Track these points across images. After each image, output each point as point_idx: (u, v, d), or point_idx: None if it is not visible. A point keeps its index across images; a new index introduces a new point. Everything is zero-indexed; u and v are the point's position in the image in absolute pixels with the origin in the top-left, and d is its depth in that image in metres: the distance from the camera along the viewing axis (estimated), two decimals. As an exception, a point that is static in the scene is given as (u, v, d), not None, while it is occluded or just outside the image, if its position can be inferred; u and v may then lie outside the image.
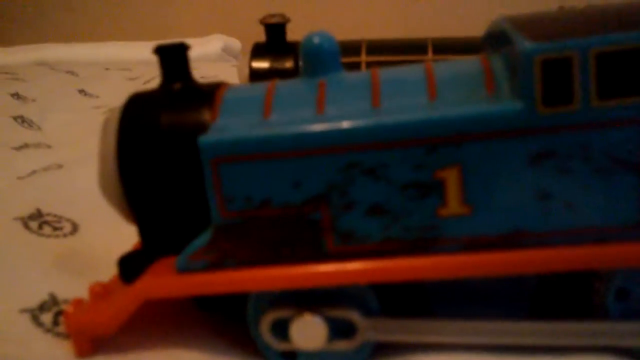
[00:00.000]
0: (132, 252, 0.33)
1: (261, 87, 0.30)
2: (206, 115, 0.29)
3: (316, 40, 0.30)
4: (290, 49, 0.49)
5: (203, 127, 0.29)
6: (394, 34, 0.51)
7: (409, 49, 0.47)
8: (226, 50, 1.39)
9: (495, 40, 0.29)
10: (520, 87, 0.25)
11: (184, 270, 0.29)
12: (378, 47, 0.48)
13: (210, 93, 0.30)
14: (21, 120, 0.73)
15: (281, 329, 0.29)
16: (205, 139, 0.27)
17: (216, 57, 1.35)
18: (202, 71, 1.08)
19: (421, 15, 1.39)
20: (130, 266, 0.31)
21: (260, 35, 0.51)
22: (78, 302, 0.31)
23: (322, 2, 1.47)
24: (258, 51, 0.49)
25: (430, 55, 0.46)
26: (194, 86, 0.31)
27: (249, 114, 0.29)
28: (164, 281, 0.29)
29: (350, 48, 0.48)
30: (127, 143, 0.30)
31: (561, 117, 0.25)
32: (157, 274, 0.30)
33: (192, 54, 1.15)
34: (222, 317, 0.33)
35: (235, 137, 0.27)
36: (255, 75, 0.48)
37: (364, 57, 0.47)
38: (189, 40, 1.30)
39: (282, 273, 0.28)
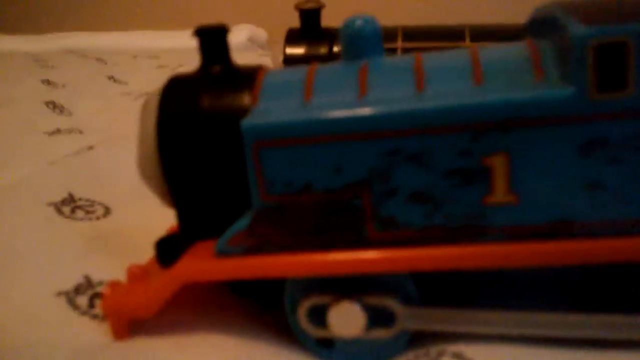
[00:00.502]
0: (169, 235, 0.32)
1: (301, 70, 0.30)
2: (246, 99, 0.29)
3: (358, 23, 0.29)
4: (325, 35, 0.48)
5: (243, 111, 0.28)
6: (429, 20, 0.50)
7: (446, 36, 0.46)
8: (252, 40, 1.39)
9: (542, 26, 0.28)
10: (571, 72, 0.25)
11: (222, 254, 0.28)
12: (414, 34, 0.47)
13: (250, 76, 0.30)
14: (52, 106, 0.73)
15: (318, 316, 0.29)
16: (247, 122, 0.27)
17: (243, 47, 1.35)
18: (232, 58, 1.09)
19: (457, 2, 1.37)
20: (168, 249, 0.31)
21: (289, 25, 0.50)
22: (115, 285, 0.31)
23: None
24: (292, 37, 0.49)
25: (467, 42, 0.45)
26: (234, 69, 0.31)
27: (290, 97, 0.28)
28: (203, 265, 0.29)
29: (386, 34, 0.48)
30: (167, 126, 0.29)
31: (614, 104, 0.24)
32: (196, 257, 0.29)
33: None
34: (256, 302, 0.33)
35: (277, 121, 0.27)
36: (290, 62, 0.47)
37: (400, 44, 0.46)
38: None
39: (322, 259, 0.27)
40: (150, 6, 1.58)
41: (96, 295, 0.34)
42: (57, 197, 0.46)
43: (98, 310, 0.32)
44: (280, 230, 0.28)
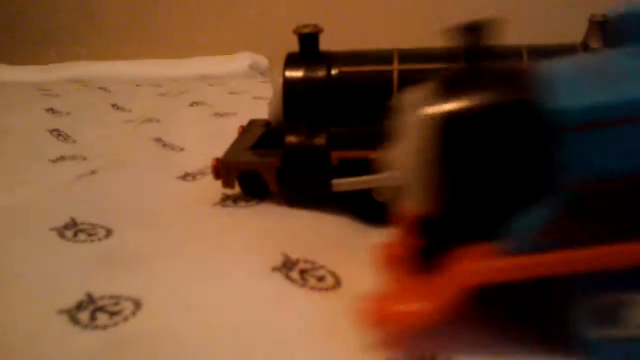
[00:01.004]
0: (430, 243, 0.32)
1: (572, 59, 0.30)
2: (527, 91, 0.28)
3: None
4: (323, 59, 0.50)
5: (528, 102, 0.27)
6: (425, 43, 0.51)
7: (442, 58, 0.46)
8: (254, 67, 1.41)
9: None
10: None
11: (518, 251, 0.27)
12: (411, 56, 0.48)
13: (523, 70, 0.30)
14: (57, 133, 0.75)
15: (603, 314, 0.27)
16: (550, 107, 0.26)
17: (244, 74, 1.37)
18: (231, 87, 1.11)
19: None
20: (429, 257, 0.30)
21: (289, 51, 0.52)
22: (372, 297, 0.30)
23: (350, 14, 1.48)
24: (292, 61, 0.50)
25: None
26: (502, 65, 0.31)
27: (580, 83, 0.28)
28: (496, 265, 0.27)
29: (383, 57, 0.49)
30: (451, 126, 0.28)
31: None
32: (477, 259, 0.27)
33: (221, 70, 1.18)
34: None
35: (584, 104, 0.26)
36: (289, 85, 0.49)
37: (396, 66, 0.48)
38: (216, 58, 1.32)
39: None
40: (152, 36, 1.61)
41: (98, 310, 0.35)
42: (60, 222, 0.47)
43: (100, 322, 0.33)
44: (586, 222, 0.26)
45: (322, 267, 0.40)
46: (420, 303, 0.28)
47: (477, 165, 0.28)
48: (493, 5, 1.38)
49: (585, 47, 0.48)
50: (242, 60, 1.41)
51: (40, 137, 0.74)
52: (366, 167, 0.44)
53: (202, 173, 0.58)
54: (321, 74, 0.49)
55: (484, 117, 0.28)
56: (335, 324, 0.33)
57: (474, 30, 0.30)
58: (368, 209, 0.46)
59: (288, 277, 0.38)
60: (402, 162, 0.30)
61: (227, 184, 0.49)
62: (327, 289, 0.37)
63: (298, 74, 0.49)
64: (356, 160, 0.45)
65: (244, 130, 0.58)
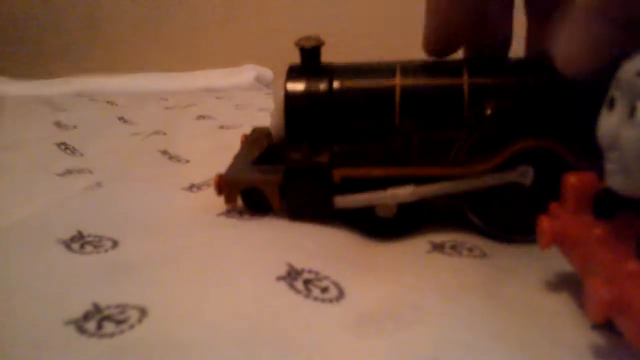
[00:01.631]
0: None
1: None
2: None
3: None
4: (325, 72, 0.49)
5: None
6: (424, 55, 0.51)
7: (445, 72, 0.47)
8: (259, 79, 1.42)
9: None
10: None
11: None
12: (412, 69, 0.48)
13: None
14: (64, 147, 0.76)
15: None
16: None
17: (249, 86, 1.38)
18: (237, 99, 1.11)
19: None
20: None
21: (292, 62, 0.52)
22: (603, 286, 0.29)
23: (354, 24, 1.49)
24: (293, 74, 0.50)
25: (466, 77, 0.46)
26: None
27: None
28: None
29: (385, 70, 0.48)
30: None
31: None
32: None
33: (227, 82, 1.19)
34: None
35: None
36: (290, 97, 0.49)
37: (398, 80, 0.47)
38: (222, 71, 1.34)
39: None
40: (158, 49, 1.62)
41: (104, 319, 0.35)
42: (67, 235, 0.47)
43: (106, 330, 0.34)
44: None
45: (325, 277, 0.40)
46: None
47: None
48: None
49: None
50: (247, 73, 1.43)
51: (47, 151, 0.74)
52: (369, 184, 0.45)
53: (208, 184, 0.58)
54: (323, 87, 0.48)
55: None
56: (339, 336, 0.34)
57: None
58: (370, 225, 0.46)
59: (292, 287, 0.39)
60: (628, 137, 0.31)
61: (229, 200, 0.49)
62: (330, 300, 0.38)
63: (299, 87, 0.49)
64: (358, 179, 0.45)
65: (247, 140, 0.58)
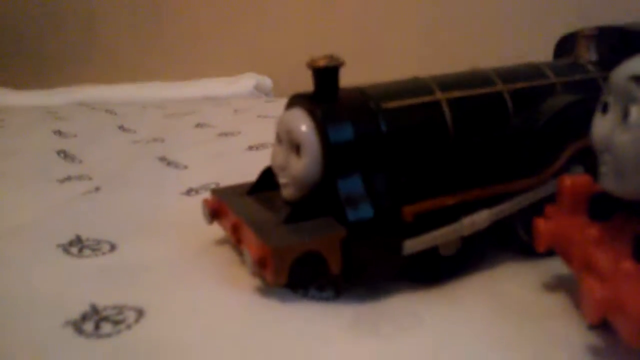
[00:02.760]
0: None
1: None
2: None
3: None
4: (359, 98, 0.41)
5: None
6: (442, 69, 0.47)
7: (478, 82, 0.44)
8: (258, 87, 1.43)
9: None
10: None
11: None
12: (450, 84, 0.44)
13: None
14: (64, 154, 0.76)
15: None
16: None
17: (248, 94, 1.39)
18: (236, 105, 1.12)
19: (463, 47, 1.41)
20: None
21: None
22: (598, 285, 0.30)
23: (352, 35, 1.50)
24: (326, 112, 0.39)
25: (500, 85, 0.44)
26: None
27: None
28: None
29: (421, 87, 0.43)
30: None
31: None
32: None
33: (226, 91, 1.19)
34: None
35: None
36: (337, 146, 0.39)
37: (439, 95, 0.42)
38: (222, 80, 1.32)
39: None
40: (158, 58, 1.63)
41: (102, 320, 0.35)
42: (65, 239, 0.48)
43: (103, 331, 0.34)
44: None
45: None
46: None
47: None
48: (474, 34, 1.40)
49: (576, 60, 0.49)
50: (246, 81, 1.43)
51: (47, 158, 0.75)
52: (438, 217, 0.39)
53: (205, 188, 0.59)
54: (366, 116, 0.40)
55: None
56: (333, 334, 0.34)
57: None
58: (433, 266, 0.40)
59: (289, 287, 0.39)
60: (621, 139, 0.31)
61: (280, 278, 0.36)
62: (327, 299, 0.38)
63: (344, 128, 0.39)
64: (431, 212, 0.38)
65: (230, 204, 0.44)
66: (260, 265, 0.37)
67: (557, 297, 0.38)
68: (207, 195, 0.56)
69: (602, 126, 0.33)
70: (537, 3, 1.38)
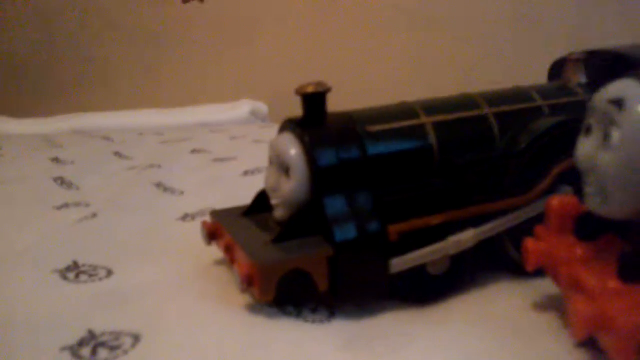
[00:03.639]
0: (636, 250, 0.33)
1: None
2: None
3: None
4: (344, 121, 0.42)
5: None
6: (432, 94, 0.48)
7: (463, 106, 0.45)
8: (254, 113, 1.44)
9: None
10: None
11: None
12: (434, 107, 0.45)
13: None
14: (61, 181, 0.77)
15: None
16: None
17: (245, 120, 1.40)
18: (232, 131, 1.13)
19: (452, 74, 1.43)
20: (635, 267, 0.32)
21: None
22: (585, 302, 0.31)
23: (347, 63, 1.51)
24: (312, 135, 0.41)
25: (486, 109, 0.45)
26: None
27: None
28: None
29: (407, 112, 0.44)
30: None
31: None
32: None
33: (222, 117, 1.19)
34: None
35: None
36: (323, 169, 0.41)
37: (424, 119, 0.44)
38: (218, 106, 1.32)
39: None
40: (155, 86, 1.64)
41: (99, 345, 0.36)
42: (62, 265, 0.48)
43: (100, 356, 0.35)
44: None
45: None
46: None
47: None
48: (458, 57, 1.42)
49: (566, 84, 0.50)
50: (242, 107, 1.44)
51: (45, 186, 0.76)
52: (424, 237, 0.40)
53: (201, 213, 0.59)
54: (352, 139, 0.41)
55: None
56: (327, 354, 0.35)
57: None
58: (422, 285, 0.41)
59: (283, 310, 0.39)
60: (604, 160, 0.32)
61: (266, 295, 0.38)
62: (320, 321, 0.38)
63: (326, 145, 0.41)
64: (416, 231, 0.40)
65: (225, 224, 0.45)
66: (249, 283, 0.38)
67: (548, 316, 0.38)
68: (203, 220, 0.56)
69: (586, 148, 0.34)
70: (527, 30, 1.40)
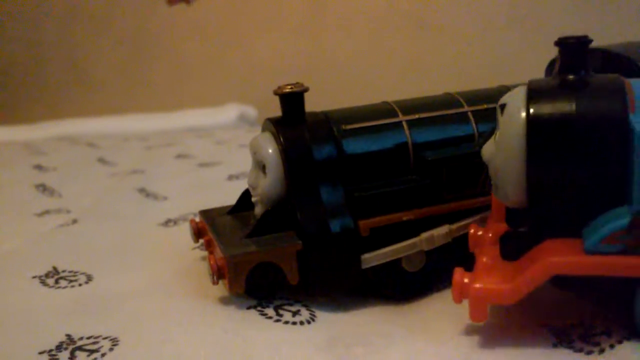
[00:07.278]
0: (513, 232, 0.36)
1: None
2: (618, 105, 0.32)
3: None
4: (321, 120, 0.43)
5: (617, 116, 0.32)
6: (416, 93, 0.49)
7: (441, 105, 0.46)
8: (242, 118, 1.44)
9: None
10: None
11: (593, 251, 0.32)
12: (413, 107, 0.45)
13: (616, 85, 0.33)
14: (42, 188, 0.77)
15: None
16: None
17: (233, 125, 1.39)
18: (218, 136, 1.13)
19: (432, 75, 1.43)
20: (512, 245, 0.35)
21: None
22: (462, 273, 0.35)
23: (336, 65, 1.52)
24: (285, 129, 0.43)
25: (466, 107, 0.45)
26: (598, 78, 0.34)
27: None
28: (576, 260, 0.32)
29: (385, 111, 0.45)
30: (537, 129, 0.33)
31: None
32: (561, 253, 0.33)
33: (209, 121, 1.19)
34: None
35: None
36: (295, 160, 0.42)
37: (401, 117, 0.44)
38: (205, 110, 1.31)
39: None
40: (140, 90, 1.64)
41: (77, 349, 0.36)
42: (42, 271, 0.48)
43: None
44: None
45: (297, 301, 0.41)
46: (506, 284, 0.33)
47: (550, 170, 0.33)
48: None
49: None
50: (230, 112, 1.44)
51: (26, 192, 0.75)
52: (397, 233, 0.41)
53: (184, 218, 0.59)
54: (327, 137, 0.42)
55: (577, 123, 0.32)
56: (308, 356, 0.35)
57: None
58: (397, 281, 0.41)
59: (263, 314, 0.39)
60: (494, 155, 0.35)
61: (236, 287, 0.39)
62: (301, 323, 0.38)
63: (300, 143, 0.42)
64: (388, 226, 0.40)
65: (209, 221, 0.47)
66: (220, 275, 0.40)
67: (528, 313, 0.38)
68: (185, 225, 0.56)
69: (488, 144, 0.37)
70: (524, 31, 1.41)
